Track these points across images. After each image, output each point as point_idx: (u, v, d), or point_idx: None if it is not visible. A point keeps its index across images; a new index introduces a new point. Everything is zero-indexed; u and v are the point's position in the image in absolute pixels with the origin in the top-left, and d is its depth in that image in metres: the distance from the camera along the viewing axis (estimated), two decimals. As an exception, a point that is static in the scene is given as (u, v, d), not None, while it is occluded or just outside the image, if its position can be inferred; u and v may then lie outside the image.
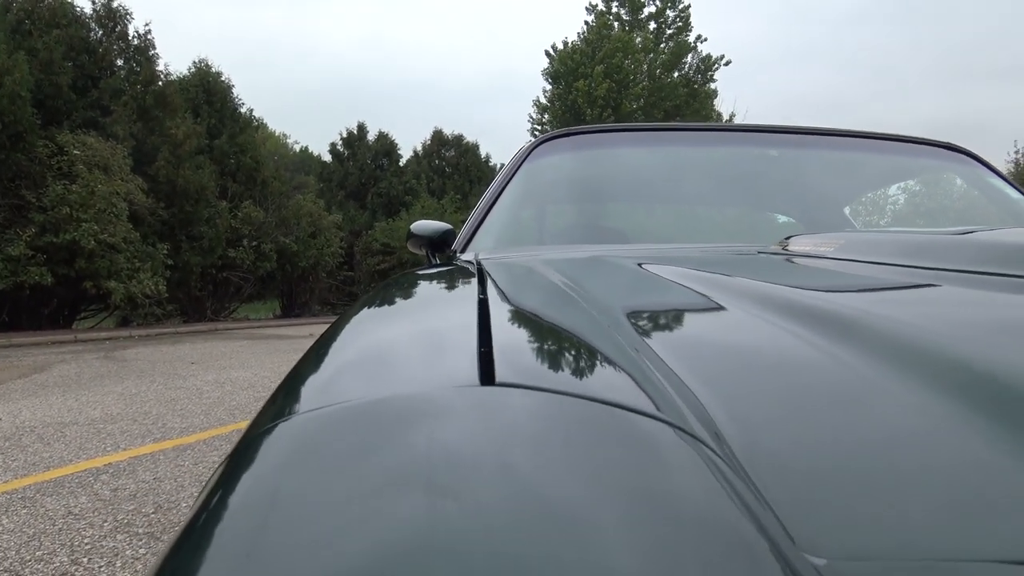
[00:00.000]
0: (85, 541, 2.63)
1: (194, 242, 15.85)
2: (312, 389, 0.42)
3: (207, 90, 18.71)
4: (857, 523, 0.29)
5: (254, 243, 17.79)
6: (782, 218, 2.35)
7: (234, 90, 19.38)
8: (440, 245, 1.88)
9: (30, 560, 2.46)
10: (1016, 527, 0.29)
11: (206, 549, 0.25)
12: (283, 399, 0.41)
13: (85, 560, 2.46)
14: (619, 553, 0.23)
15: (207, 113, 18.17)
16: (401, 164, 28.57)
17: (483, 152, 30.48)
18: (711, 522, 0.26)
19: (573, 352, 0.51)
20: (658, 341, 0.55)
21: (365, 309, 0.71)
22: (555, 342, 0.55)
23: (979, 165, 2.02)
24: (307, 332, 13.89)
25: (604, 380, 0.43)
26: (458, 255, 1.61)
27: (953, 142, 2.07)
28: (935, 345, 0.48)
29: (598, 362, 0.48)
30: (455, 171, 29.35)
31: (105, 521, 2.84)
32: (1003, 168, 23.22)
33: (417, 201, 25.60)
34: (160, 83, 15.64)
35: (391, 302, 0.78)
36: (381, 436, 0.31)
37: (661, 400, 0.39)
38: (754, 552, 0.25)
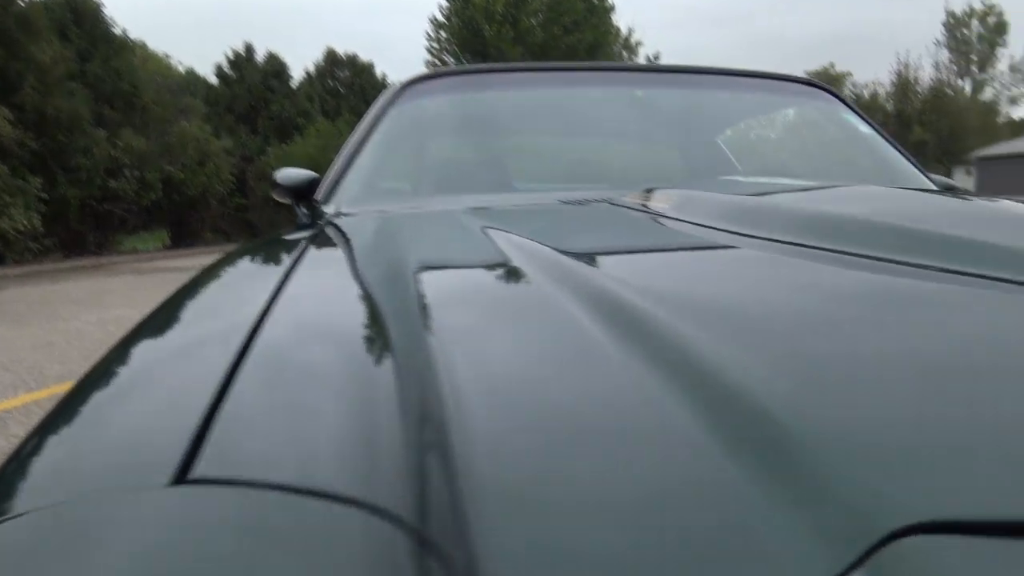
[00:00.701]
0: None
1: (70, 174, 15.08)
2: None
3: (74, 11, 17.45)
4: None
5: (136, 173, 17.06)
6: (657, 158, 2.37)
7: (105, 9, 18.18)
8: (307, 193, 1.81)
9: None
10: (700, 522, 0.30)
11: None
12: None
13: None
14: None
15: (76, 36, 17.00)
16: (293, 86, 27.56)
17: (379, 71, 29.69)
18: None
19: (320, 404, 0.45)
20: (443, 339, 0.52)
21: (129, 345, 0.63)
22: (307, 392, 0.48)
23: (837, 102, 2.09)
24: (197, 263, 13.40)
25: (333, 463, 0.37)
26: (321, 206, 1.59)
27: (813, 79, 2.17)
28: (698, 333, 0.49)
29: (343, 426, 0.41)
30: (350, 92, 28.52)
31: (-27, 476, 2.88)
32: (885, 79, 24.21)
33: (311, 124, 24.87)
34: (21, 3, 14.54)
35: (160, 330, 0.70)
36: (40, 555, 0.29)
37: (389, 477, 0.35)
38: None
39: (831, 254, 0.69)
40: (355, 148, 1.79)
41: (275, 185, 1.90)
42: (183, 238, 20.79)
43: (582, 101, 2.07)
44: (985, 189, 36.48)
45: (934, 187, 1.78)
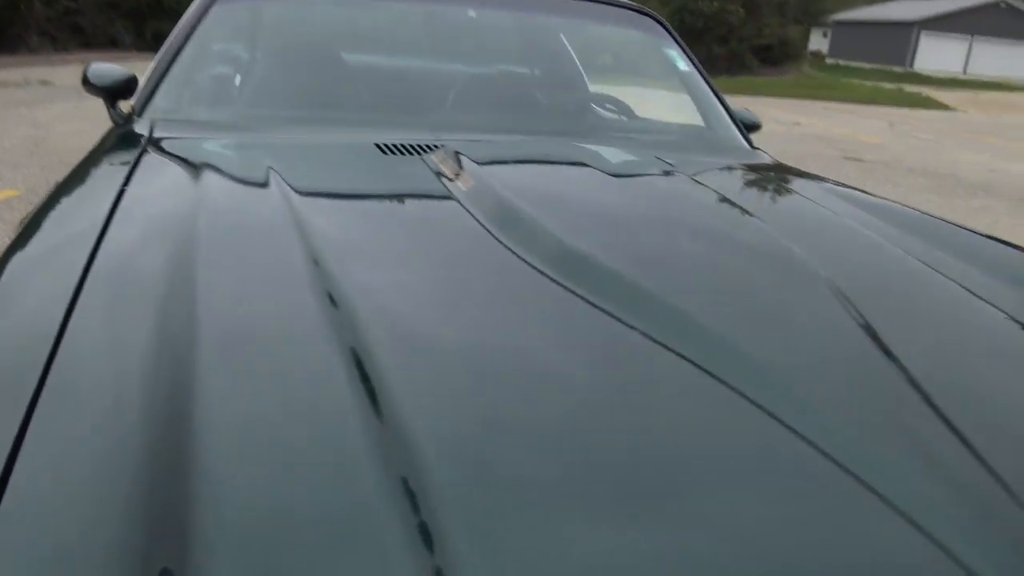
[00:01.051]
0: None
1: None
2: None
3: None
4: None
5: (-58, -37, 14.89)
6: (488, 79, 2.26)
7: None
8: (123, 93, 1.68)
9: None
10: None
11: None
12: None
13: None
14: None
15: None
16: None
17: None
18: None
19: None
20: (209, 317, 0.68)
21: None
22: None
23: (664, 34, 2.10)
24: (21, 77, 12.10)
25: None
26: (135, 121, 1.51)
27: (645, 8, 2.18)
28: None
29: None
30: None
31: None
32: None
33: (152, -81, 22.18)
34: None
35: None
36: None
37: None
38: None
39: (560, 288, 0.80)
40: (173, 51, 1.65)
41: (86, 81, 1.69)
42: (4, 43, 18.71)
43: (422, 16, 1.99)
44: (837, 52, 37.94)
45: (734, 123, 1.95)
